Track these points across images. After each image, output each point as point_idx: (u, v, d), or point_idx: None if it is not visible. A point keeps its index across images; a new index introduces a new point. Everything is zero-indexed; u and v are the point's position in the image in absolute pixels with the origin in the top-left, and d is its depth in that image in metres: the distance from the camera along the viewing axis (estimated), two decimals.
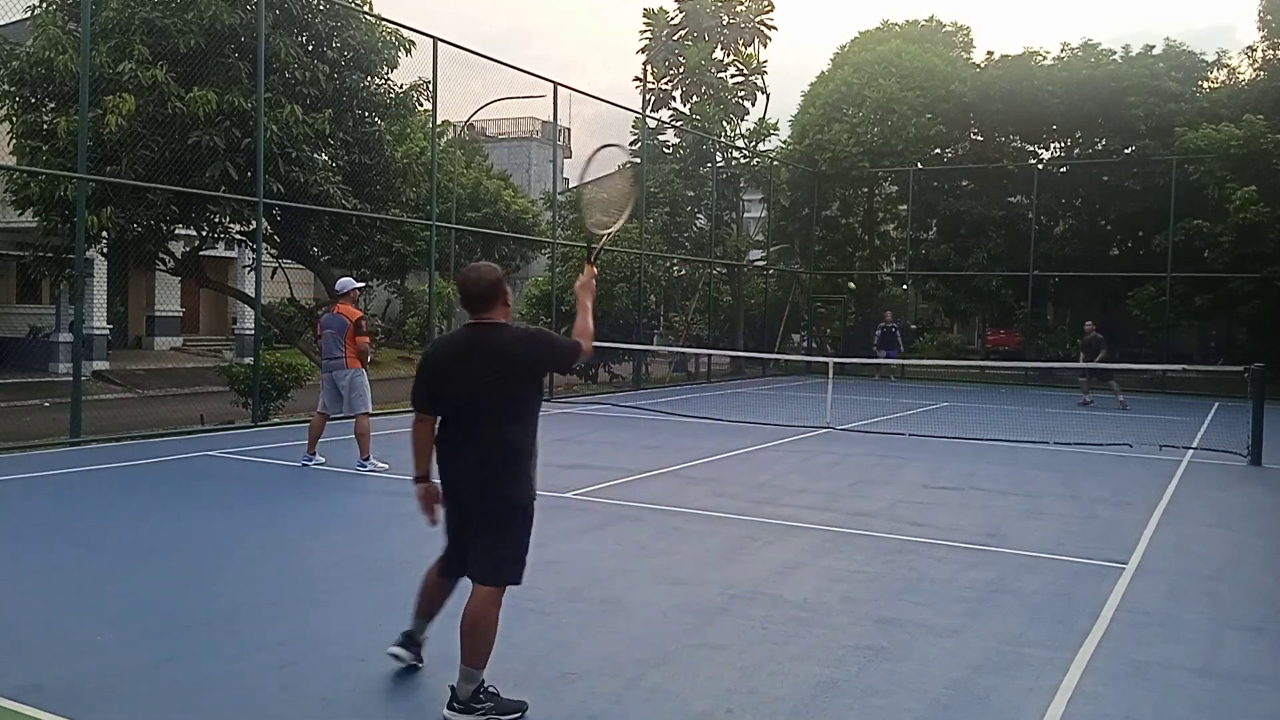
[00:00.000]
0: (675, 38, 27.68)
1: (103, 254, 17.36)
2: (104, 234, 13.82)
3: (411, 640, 4.46)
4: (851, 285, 30.12)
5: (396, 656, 4.42)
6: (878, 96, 26.96)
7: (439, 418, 4.15)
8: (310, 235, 16.05)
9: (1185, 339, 28.32)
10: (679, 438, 13.07)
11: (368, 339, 10.08)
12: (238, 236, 16.00)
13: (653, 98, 27.71)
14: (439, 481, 4.15)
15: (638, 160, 22.42)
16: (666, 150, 26.91)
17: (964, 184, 28.44)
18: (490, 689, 4.04)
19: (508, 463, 4.04)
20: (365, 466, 9.76)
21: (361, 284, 10.77)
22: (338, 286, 10.30)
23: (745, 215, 31.23)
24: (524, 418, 4.11)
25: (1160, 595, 6.13)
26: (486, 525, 4.06)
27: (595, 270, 4.58)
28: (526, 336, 4.16)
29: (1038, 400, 20.54)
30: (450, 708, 3.99)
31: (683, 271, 25.95)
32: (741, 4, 28.06)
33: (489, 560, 4.05)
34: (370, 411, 10.07)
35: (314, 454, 10.04)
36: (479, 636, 3.98)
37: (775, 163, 28.36)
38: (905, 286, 31.74)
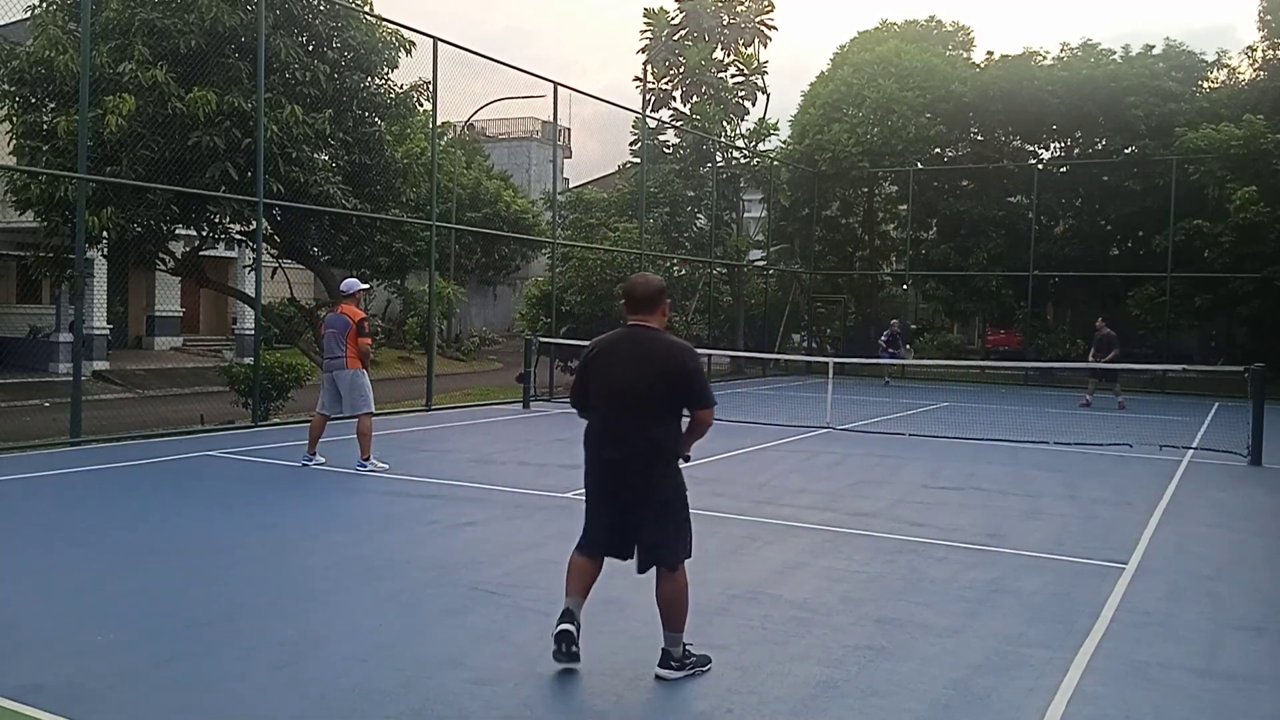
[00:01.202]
0: (675, 38, 27.69)
1: (103, 254, 17.36)
2: (104, 234, 13.82)
3: (571, 616, 4.57)
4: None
5: (567, 633, 4.48)
6: (877, 96, 26.96)
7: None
8: (310, 235, 16.06)
9: (1185, 339, 28.32)
10: None
11: (370, 340, 10.08)
12: (238, 236, 16.01)
13: (653, 98, 27.72)
14: (588, 471, 4.66)
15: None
16: (666, 150, 26.92)
17: (964, 184, 28.45)
18: (689, 645, 4.56)
19: (655, 458, 4.50)
20: (365, 467, 9.76)
21: (366, 285, 10.74)
22: (343, 287, 10.29)
23: (745, 215, 31.22)
24: (667, 418, 4.54)
25: (1160, 595, 6.13)
26: (653, 515, 4.51)
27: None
28: (680, 352, 4.60)
29: (1038, 400, 20.54)
30: (668, 667, 4.45)
31: (683, 271, 25.94)
32: (741, 4, 28.07)
33: (660, 545, 4.51)
34: (373, 411, 10.06)
35: (314, 454, 10.02)
36: (676, 606, 4.49)
37: (775, 163, 28.36)
38: (905, 286, 31.74)
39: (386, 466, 9.85)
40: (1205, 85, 26.74)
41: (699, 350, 20.16)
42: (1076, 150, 28.07)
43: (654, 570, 4.54)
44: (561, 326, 20.51)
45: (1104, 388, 19.87)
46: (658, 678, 4.44)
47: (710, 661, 4.60)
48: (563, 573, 6.21)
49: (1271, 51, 26.33)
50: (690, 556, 4.63)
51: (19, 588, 5.69)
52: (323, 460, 10.01)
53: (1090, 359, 19.18)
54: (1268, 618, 5.76)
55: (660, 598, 4.52)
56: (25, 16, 13.92)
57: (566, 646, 4.45)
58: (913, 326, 31.54)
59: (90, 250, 15.27)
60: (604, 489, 4.60)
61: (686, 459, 4.75)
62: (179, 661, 4.53)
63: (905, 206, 28.53)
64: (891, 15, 57.73)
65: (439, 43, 15.49)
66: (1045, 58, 27.62)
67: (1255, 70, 26.68)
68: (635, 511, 4.52)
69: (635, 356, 4.48)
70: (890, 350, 23.91)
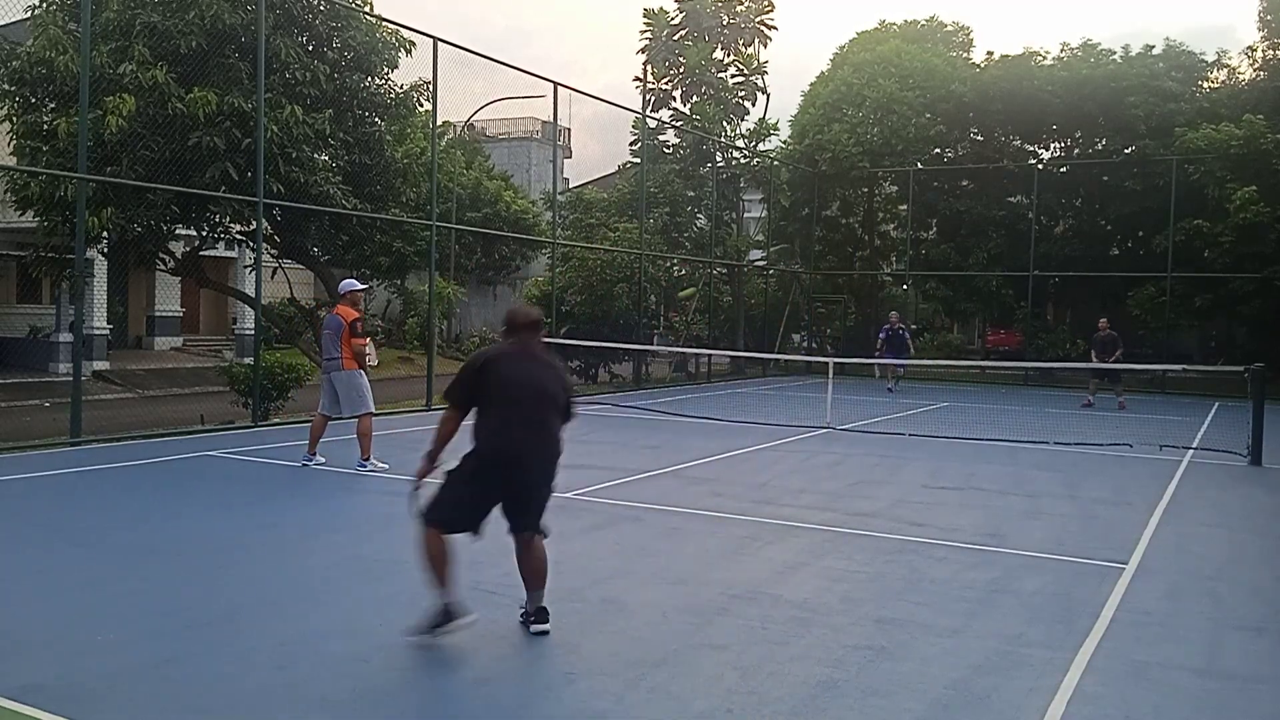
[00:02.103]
0: (675, 38, 27.67)
1: (103, 254, 17.37)
2: (104, 234, 13.82)
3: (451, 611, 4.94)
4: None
5: (544, 630, 5.06)
6: (877, 96, 26.96)
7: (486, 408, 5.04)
8: (310, 235, 16.05)
9: (1185, 339, 28.32)
10: (679, 438, 13.07)
11: (364, 340, 10.01)
12: (238, 236, 16.01)
13: (653, 98, 27.70)
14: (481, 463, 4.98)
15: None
16: (666, 150, 26.90)
17: (964, 184, 28.44)
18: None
19: (559, 452, 5.13)
20: (365, 467, 9.75)
21: (364, 286, 10.69)
22: (340, 287, 10.28)
23: (745, 215, 31.21)
24: (562, 419, 5.21)
25: (1160, 595, 6.13)
26: (540, 489, 5.07)
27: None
28: (563, 370, 5.40)
29: (1038, 400, 20.54)
30: (543, 621, 5.04)
31: (683, 271, 25.94)
32: (741, 4, 28.05)
33: (538, 514, 5.08)
34: (373, 411, 10.05)
35: (314, 454, 10.02)
36: (544, 568, 5.11)
37: (775, 163, 28.36)
38: (905, 286, 31.74)
39: (387, 466, 9.85)
40: (1205, 85, 26.73)
41: (699, 350, 19.99)
42: (1076, 150, 28.07)
43: (516, 540, 5.09)
44: (561, 326, 20.51)
45: (1106, 388, 19.78)
46: (544, 633, 4.99)
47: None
48: (563, 573, 6.22)
49: (1271, 51, 26.33)
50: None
51: (19, 588, 5.69)
52: (323, 460, 10.01)
53: (1093, 359, 19.08)
54: (1268, 618, 5.77)
55: (536, 560, 5.07)
56: (25, 16, 13.91)
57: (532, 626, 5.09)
58: (913, 326, 31.50)
59: (90, 250, 15.28)
60: (497, 478, 4.94)
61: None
62: (179, 661, 4.53)
63: (905, 206, 28.52)
64: (892, 15, 57.85)
65: (439, 43, 15.50)
66: (1045, 58, 27.61)
67: (1255, 70, 26.68)
68: (526, 496, 5.01)
69: (541, 365, 5.13)
70: (889, 350, 21.60)
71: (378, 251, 22.18)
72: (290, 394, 15.11)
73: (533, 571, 5.08)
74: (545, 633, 5.02)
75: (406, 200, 17.84)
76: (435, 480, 5.04)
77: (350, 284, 10.19)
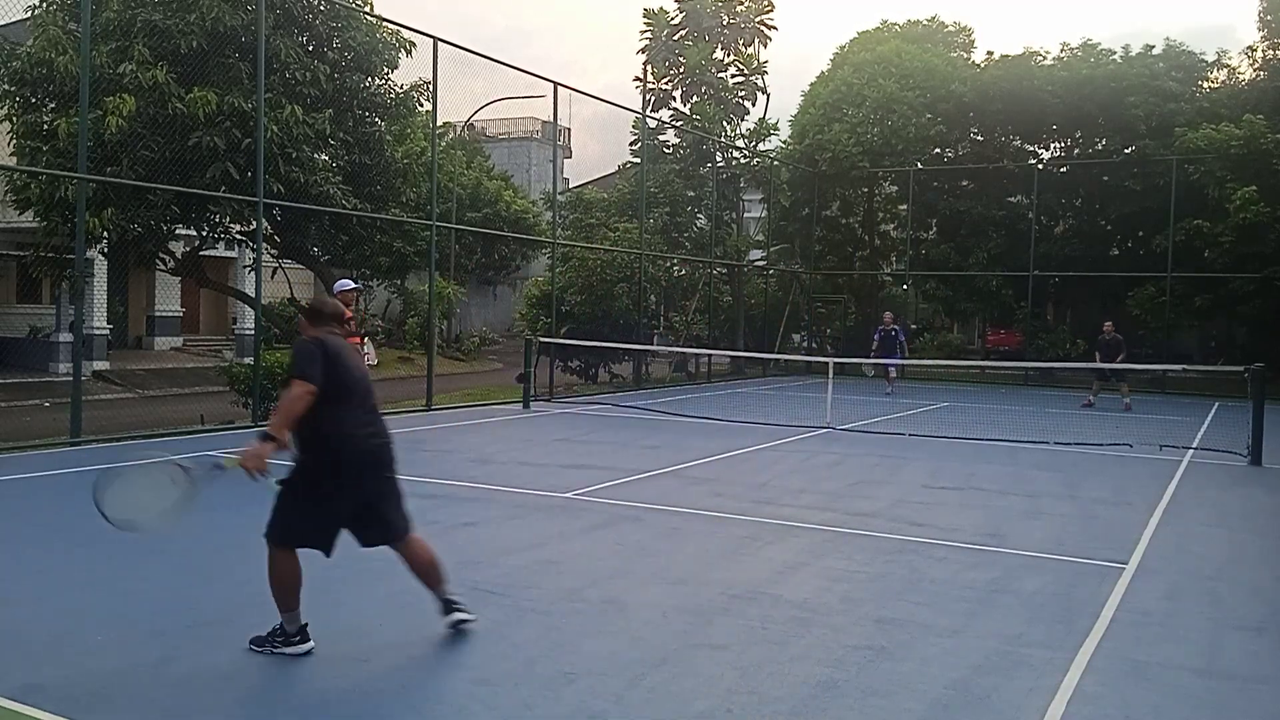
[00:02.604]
0: (675, 38, 27.67)
1: (103, 254, 17.35)
2: (104, 234, 13.81)
3: (442, 604, 4.98)
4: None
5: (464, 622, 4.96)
6: (878, 96, 26.96)
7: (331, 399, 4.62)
8: (310, 235, 16.03)
9: (1185, 339, 28.33)
10: (679, 438, 13.07)
11: (360, 339, 10.01)
12: (238, 236, 16.00)
13: (653, 98, 27.70)
14: (342, 463, 4.59)
15: None
16: (666, 150, 26.90)
17: (964, 184, 28.45)
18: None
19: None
20: None
21: (356, 285, 10.68)
22: (335, 287, 10.28)
23: (745, 215, 31.21)
24: None
25: (1160, 595, 6.13)
26: (397, 496, 4.88)
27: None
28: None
29: (1038, 400, 20.54)
30: (463, 610, 4.96)
31: (683, 271, 25.94)
32: (741, 4, 28.05)
33: (403, 514, 4.90)
34: None
35: None
36: (436, 564, 4.97)
37: (775, 163, 28.36)
38: (905, 286, 31.75)
39: None
40: (1205, 85, 26.74)
41: (699, 350, 19.85)
42: (1076, 150, 28.07)
43: (387, 547, 4.90)
44: (561, 326, 20.50)
45: (1110, 389, 19.65)
46: (468, 620, 4.95)
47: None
48: (563, 573, 6.23)
49: (1271, 51, 26.33)
50: None
51: (19, 588, 5.70)
52: None
53: (1096, 361, 18.86)
54: (1268, 618, 5.77)
55: (423, 559, 4.91)
56: (25, 17, 13.91)
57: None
58: (913, 326, 31.50)
59: (90, 250, 15.26)
60: (361, 481, 4.65)
61: None
62: (179, 661, 4.53)
63: (905, 206, 28.53)
64: (893, 15, 57.82)
65: (439, 43, 15.50)
66: (1045, 58, 27.62)
67: (1255, 70, 26.68)
68: (395, 494, 4.83)
69: (356, 357, 4.91)
70: (883, 351, 21.13)
71: (378, 251, 22.17)
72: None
73: (430, 567, 4.94)
74: (470, 620, 4.95)
75: (407, 200, 17.84)
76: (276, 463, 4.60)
77: (343, 284, 10.19)
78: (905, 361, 21.60)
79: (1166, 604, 5.96)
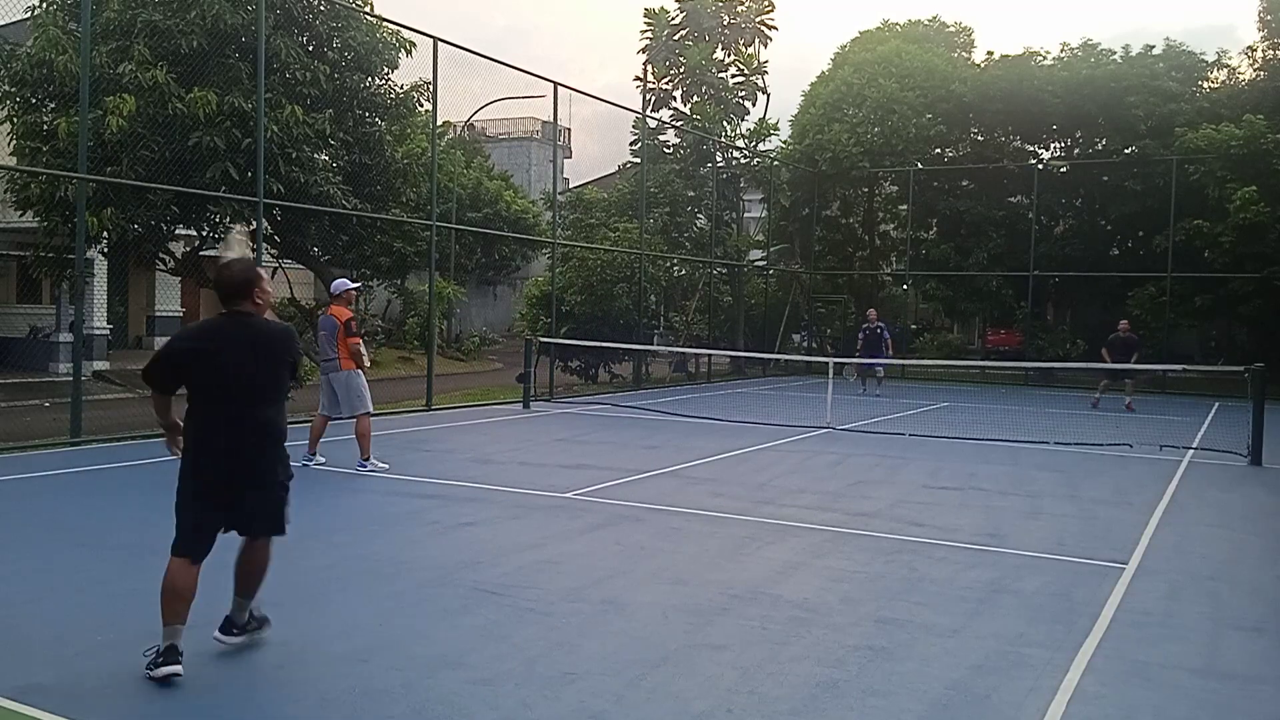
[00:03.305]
0: (676, 38, 27.68)
1: (103, 254, 17.37)
2: (104, 234, 13.82)
3: (233, 620, 4.72)
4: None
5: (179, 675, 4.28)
6: (878, 96, 26.96)
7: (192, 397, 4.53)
8: (310, 235, 16.07)
9: (1185, 339, 28.33)
10: (679, 438, 13.07)
11: (359, 339, 9.95)
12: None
13: (653, 98, 27.71)
14: (201, 456, 4.51)
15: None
16: (667, 150, 26.91)
17: (964, 184, 28.45)
18: (257, 613, 4.75)
19: (277, 440, 4.66)
20: (365, 467, 9.75)
21: (356, 285, 10.63)
22: (332, 288, 10.23)
23: (745, 215, 31.22)
24: (281, 400, 4.77)
25: (1160, 595, 6.13)
26: (262, 490, 4.60)
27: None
28: (284, 332, 4.71)
29: (1038, 400, 20.54)
30: (230, 633, 4.65)
31: (683, 271, 25.95)
32: (742, 4, 28.06)
33: (270, 516, 4.67)
34: (371, 411, 10.04)
35: (314, 454, 10.01)
36: (263, 575, 4.75)
37: (775, 163, 28.36)
38: (905, 286, 31.75)
39: (386, 466, 9.85)
40: (1205, 85, 26.75)
41: (699, 350, 19.86)
42: (1076, 150, 28.08)
43: (249, 541, 4.73)
44: (562, 326, 20.50)
45: (1116, 388, 19.44)
46: (219, 640, 4.63)
47: (268, 621, 4.76)
48: (563, 573, 6.23)
49: (1271, 51, 26.34)
50: (284, 533, 4.79)
51: (19, 588, 5.69)
52: (323, 460, 10.00)
53: (1105, 358, 18.60)
54: (1268, 618, 5.76)
55: (253, 564, 4.69)
56: (25, 17, 13.91)
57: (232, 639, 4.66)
58: (913, 326, 31.50)
59: (90, 250, 15.27)
60: (221, 479, 4.48)
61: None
62: None
63: (905, 206, 28.53)
64: (895, 15, 57.71)
65: (439, 43, 15.50)
66: (1045, 58, 27.63)
67: (1255, 70, 26.69)
68: (250, 494, 4.56)
69: (252, 345, 4.47)
70: (866, 350, 20.75)
71: (378, 251, 22.22)
72: (290, 394, 15.08)
73: (255, 574, 4.72)
74: (226, 643, 4.62)
75: (407, 200, 17.86)
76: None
77: (343, 284, 10.12)
78: (892, 361, 21.07)
79: (1166, 604, 5.95)
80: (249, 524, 4.66)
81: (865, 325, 21.47)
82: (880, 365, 21.02)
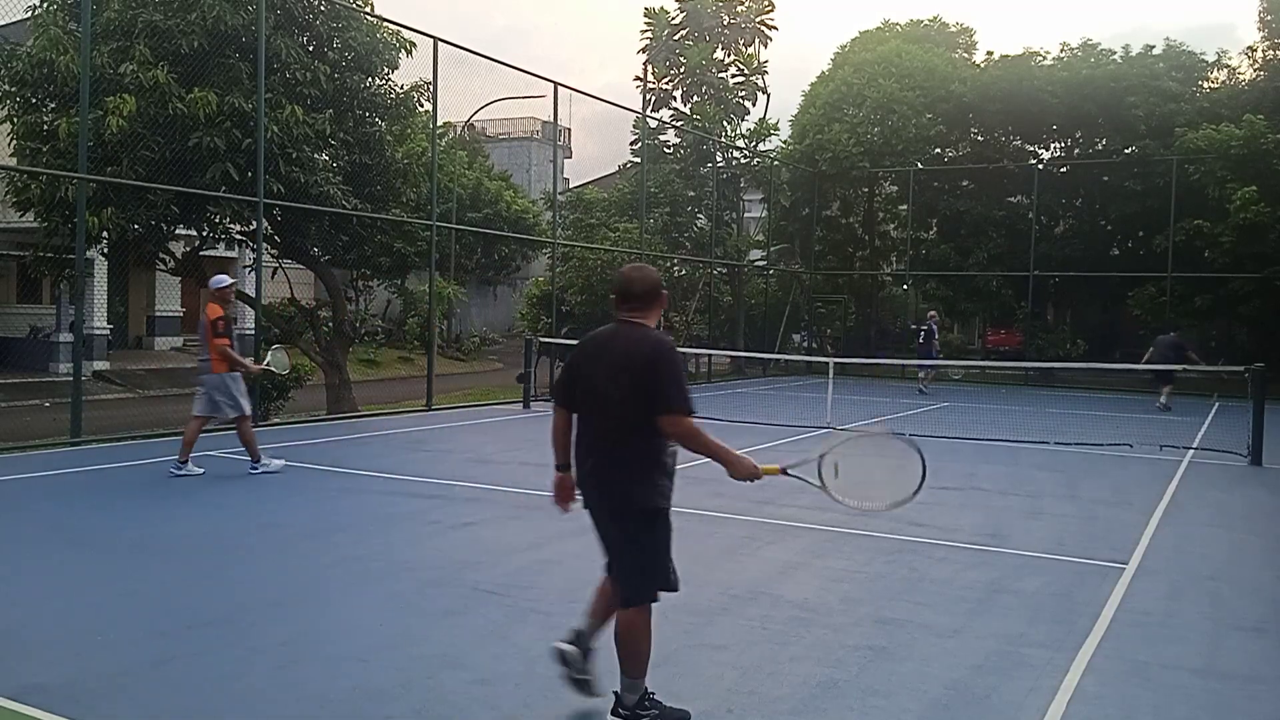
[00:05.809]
0: (676, 38, 27.70)
1: (103, 254, 17.34)
2: (104, 234, 13.81)
3: (580, 637, 4.16)
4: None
5: (561, 652, 4.09)
6: (878, 96, 26.97)
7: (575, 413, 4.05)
8: (311, 235, 16.03)
9: (1185, 339, 28.30)
10: None
11: (226, 340, 9.18)
12: (238, 237, 16.00)
13: (653, 98, 27.73)
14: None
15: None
16: (667, 150, 26.92)
17: (964, 184, 28.45)
18: (654, 697, 4.01)
19: (631, 465, 3.94)
20: (257, 469, 9.34)
21: (232, 281, 9.52)
22: (210, 283, 9.41)
23: (745, 215, 31.23)
24: (646, 427, 3.92)
25: (1160, 595, 6.13)
26: (621, 540, 4.01)
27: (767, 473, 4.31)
28: (653, 349, 3.92)
29: (1038, 400, 20.53)
30: (615, 714, 3.98)
31: (683, 271, 25.95)
32: (742, 4, 28.08)
33: (622, 574, 4.01)
34: (246, 414, 9.46)
35: (186, 462, 9.17)
36: (626, 647, 3.94)
37: (775, 163, 28.36)
38: (905, 286, 31.76)
39: (282, 463, 9.54)
40: (1205, 85, 26.76)
41: (699, 350, 19.74)
42: (1076, 150, 28.08)
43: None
44: (562, 326, 20.51)
45: (1157, 389, 19.50)
46: None
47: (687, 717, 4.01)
48: (563, 573, 6.25)
49: (1271, 51, 26.34)
50: (655, 600, 3.99)
51: (19, 588, 5.70)
52: (199, 471, 9.26)
53: (1149, 359, 18.70)
54: (1268, 618, 5.76)
55: (616, 626, 4.01)
56: (26, 17, 13.90)
57: (562, 669, 4.11)
58: (912, 326, 31.50)
59: (90, 250, 15.25)
60: (588, 502, 4.13)
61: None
62: (179, 661, 4.53)
63: (905, 206, 28.53)
64: (895, 15, 57.67)
65: (439, 43, 15.50)
66: (1045, 58, 27.64)
67: (1255, 70, 26.69)
68: (607, 533, 4.08)
69: (620, 354, 3.90)
70: (922, 350, 21.50)
71: (378, 251, 22.14)
72: (290, 394, 15.10)
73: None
74: None
75: (407, 200, 17.83)
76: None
77: (219, 279, 9.33)
78: (906, 362, 21.62)
79: (1166, 604, 5.95)
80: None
81: (925, 324, 22.01)
82: (928, 367, 21.57)
